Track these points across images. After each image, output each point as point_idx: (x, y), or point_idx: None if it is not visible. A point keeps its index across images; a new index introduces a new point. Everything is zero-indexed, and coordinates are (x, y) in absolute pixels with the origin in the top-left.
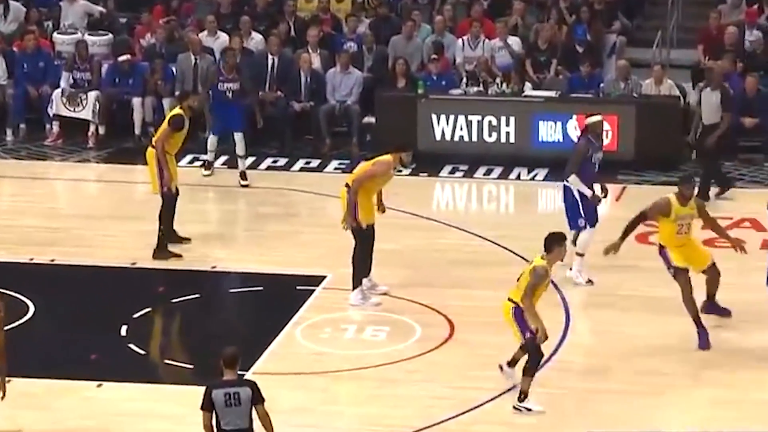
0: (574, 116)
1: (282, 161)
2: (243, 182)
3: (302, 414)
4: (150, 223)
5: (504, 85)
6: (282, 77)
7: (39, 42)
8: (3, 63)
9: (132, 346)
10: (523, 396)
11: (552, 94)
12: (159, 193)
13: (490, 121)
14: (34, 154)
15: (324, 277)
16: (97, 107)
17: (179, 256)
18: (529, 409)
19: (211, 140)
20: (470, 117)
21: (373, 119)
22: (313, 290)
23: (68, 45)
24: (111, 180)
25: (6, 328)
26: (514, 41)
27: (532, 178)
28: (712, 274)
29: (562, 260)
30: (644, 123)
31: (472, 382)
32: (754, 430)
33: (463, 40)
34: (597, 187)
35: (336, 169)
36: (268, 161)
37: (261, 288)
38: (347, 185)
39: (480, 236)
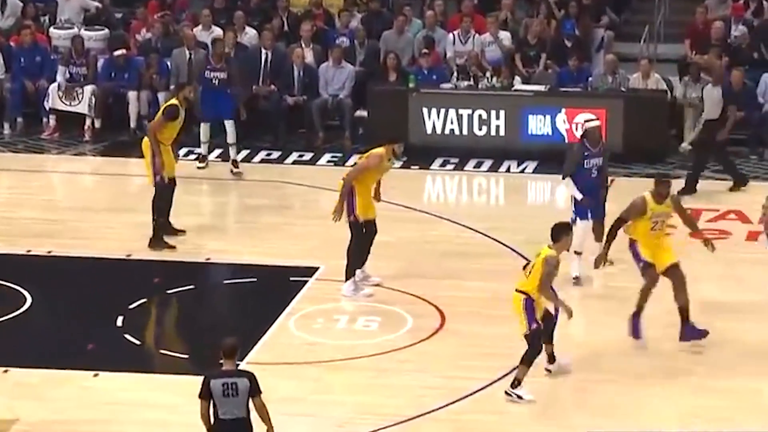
0: (563, 110)
1: (275, 154)
2: (235, 170)
3: (295, 403)
4: (145, 214)
5: (494, 79)
6: (275, 71)
7: (36, 37)
8: (0, 58)
9: (128, 336)
10: (516, 383)
11: (541, 88)
12: (152, 182)
13: (480, 115)
14: (31, 147)
15: (317, 269)
16: (93, 101)
17: (173, 247)
18: (520, 397)
19: (203, 129)
20: (461, 110)
21: (365, 113)
22: (306, 281)
23: (64, 40)
24: (107, 173)
25: (3, 318)
26: (504, 36)
27: (522, 171)
28: (675, 278)
29: (567, 249)
30: (632, 116)
31: (462, 371)
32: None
33: (453, 34)
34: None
35: (329, 162)
36: (262, 154)
37: (255, 279)
38: (344, 179)
39: (470, 228)
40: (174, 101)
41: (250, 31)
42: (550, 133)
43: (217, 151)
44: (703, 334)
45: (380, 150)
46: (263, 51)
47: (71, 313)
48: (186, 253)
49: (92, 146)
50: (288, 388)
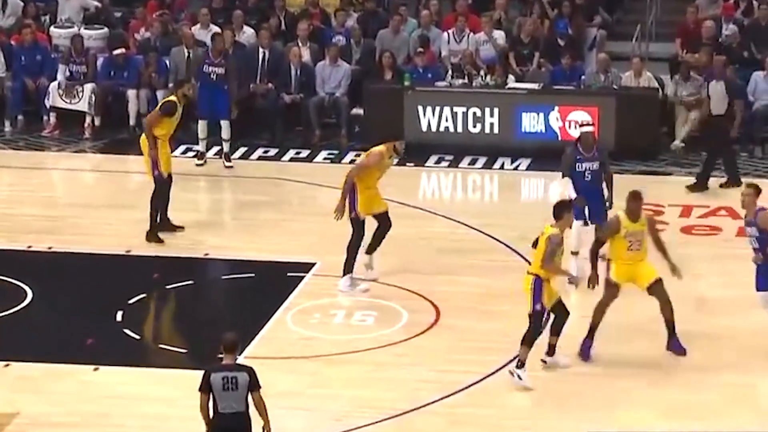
0: (556, 107)
1: (273, 151)
2: (227, 164)
3: (292, 397)
4: (144, 211)
5: (488, 77)
6: (273, 70)
7: (36, 36)
8: (1, 56)
9: (127, 331)
10: (520, 364)
11: (534, 86)
12: (152, 178)
13: (474, 113)
14: (31, 144)
15: (313, 264)
16: (93, 99)
17: (161, 241)
18: (520, 378)
19: (201, 126)
20: (455, 108)
21: (361, 111)
22: (303, 277)
23: (65, 39)
24: (106, 170)
25: (4, 313)
26: (498, 35)
27: (516, 168)
28: (659, 294)
29: (570, 227)
30: (624, 114)
31: (457, 365)
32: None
33: (448, 33)
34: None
35: (325, 159)
36: (260, 152)
37: (252, 274)
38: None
39: (465, 224)
40: (172, 98)
41: (248, 30)
42: (544, 131)
43: (215, 149)
44: (682, 352)
45: (381, 148)
46: (261, 50)
47: (71, 308)
48: (185, 248)
49: (92, 144)
50: (285, 382)
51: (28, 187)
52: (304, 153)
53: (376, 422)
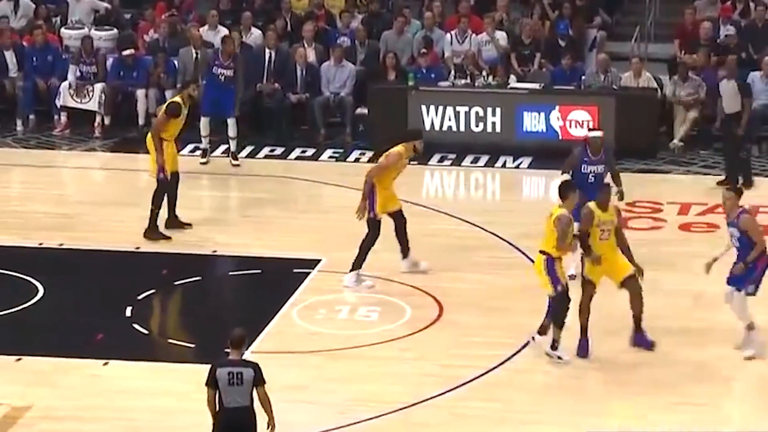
0: (557, 107)
1: (279, 150)
2: (234, 162)
3: (298, 391)
4: None
5: (490, 77)
6: (279, 70)
7: (47, 37)
8: (13, 57)
9: (137, 326)
10: (555, 344)
11: (535, 86)
12: (156, 178)
13: (476, 112)
14: (42, 143)
15: (319, 261)
16: (103, 99)
17: (168, 238)
18: (560, 358)
19: (203, 123)
20: (458, 108)
21: (365, 110)
22: (309, 273)
23: (75, 40)
24: (116, 168)
25: (16, 309)
26: (500, 36)
27: (517, 167)
28: (632, 288)
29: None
30: (623, 114)
31: (459, 360)
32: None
33: (451, 34)
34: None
35: (330, 157)
36: (266, 150)
37: (259, 271)
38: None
39: (467, 222)
40: (177, 99)
41: (255, 32)
42: (545, 130)
43: (223, 147)
44: (651, 345)
45: (399, 148)
46: (267, 51)
47: (82, 304)
48: (193, 245)
49: (102, 142)
50: (291, 376)
51: (40, 185)
52: (310, 151)
53: (380, 416)
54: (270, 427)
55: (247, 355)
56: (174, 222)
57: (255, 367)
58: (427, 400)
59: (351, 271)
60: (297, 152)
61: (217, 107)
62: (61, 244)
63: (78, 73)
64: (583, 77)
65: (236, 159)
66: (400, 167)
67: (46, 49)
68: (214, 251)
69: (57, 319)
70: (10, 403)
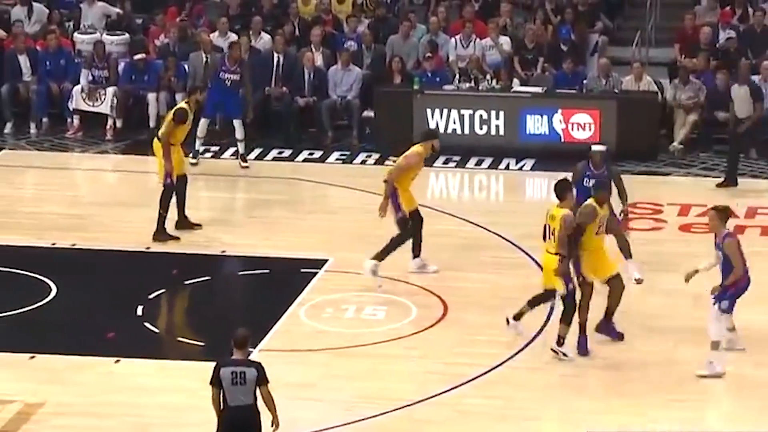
0: (559, 110)
1: (287, 152)
2: (243, 164)
3: (305, 388)
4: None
5: (494, 81)
6: (287, 74)
7: (60, 41)
8: (27, 61)
9: (147, 324)
10: (561, 341)
11: (538, 89)
12: (162, 182)
13: (480, 115)
14: (56, 145)
15: (326, 261)
16: (115, 102)
17: (177, 238)
18: (566, 354)
19: (202, 125)
20: (462, 111)
21: (372, 113)
22: (316, 273)
23: (88, 44)
24: (127, 170)
25: (30, 307)
26: (504, 40)
27: (520, 169)
28: (616, 287)
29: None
30: (624, 117)
31: (464, 358)
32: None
33: (455, 39)
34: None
35: (337, 159)
36: (274, 152)
37: (267, 271)
38: (386, 181)
39: (472, 222)
40: (184, 105)
41: (264, 36)
42: (547, 133)
43: (232, 149)
44: (618, 336)
45: (419, 148)
46: (275, 55)
47: (94, 303)
48: (202, 246)
49: (114, 145)
50: (298, 373)
51: (53, 187)
52: (317, 154)
53: (386, 413)
54: (274, 425)
55: (256, 354)
56: (184, 223)
57: (258, 366)
58: (431, 397)
59: (373, 258)
60: (305, 154)
61: (221, 110)
62: (74, 245)
63: (90, 77)
64: (585, 81)
65: (245, 161)
66: (419, 167)
67: (59, 54)
68: (223, 251)
69: (69, 318)
70: (23, 400)
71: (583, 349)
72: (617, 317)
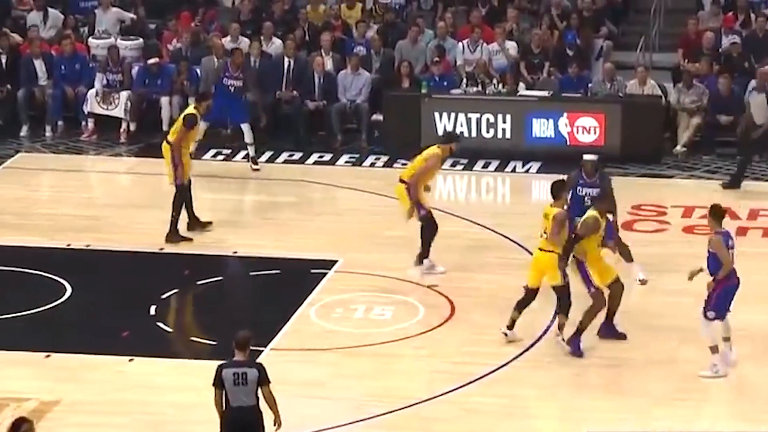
0: (565, 114)
1: (297, 155)
2: (254, 167)
3: (315, 387)
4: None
5: (500, 85)
6: (297, 78)
7: (75, 46)
8: (43, 65)
9: (160, 324)
10: (562, 327)
11: (544, 93)
12: (174, 185)
13: (487, 119)
14: (71, 148)
15: (335, 261)
16: (128, 106)
17: (190, 240)
18: (564, 339)
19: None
20: (469, 115)
21: (380, 117)
22: (326, 273)
23: (102, 49)
24: (141, 172)
25: (45, 307)
26: (510, 45)
27: (527, 171)
28: (616, 289)
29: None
30: (629, 120)
31: (471, 357)
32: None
33: (463, 44)
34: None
35: (347, 162)
36: (285, 155)
37: (278, 271)
38: (401, 181)
39: (479, 224)
40: (193, 110)
41: (276, 41)
42: (553, 136)
43: (243, 152)
44: (621, 336)
45: (437, 150)
46: (286, 59)
47: (108, 303)
48: (214, 246)
49: (127, 148)
50: (308, 372)
51: (68, 189)
52: (327, 156)
53: (394, 411)
54: (276, 424)
55: (267, 352)
56: (195, 223)
57: (259, 367)
58: (439, 396)
59: (417, 264)
60: (314, 157)
61: (223, 114)
62: (88, 245)
63: (105, 81)
64: (590, 85)
65: (256, 164)
66: (437, 169)
67: (74, 58)
68: (235, 252)
69: (84, 318)
70: (39, 398)
71: (576, 350)
72: (620, 317)
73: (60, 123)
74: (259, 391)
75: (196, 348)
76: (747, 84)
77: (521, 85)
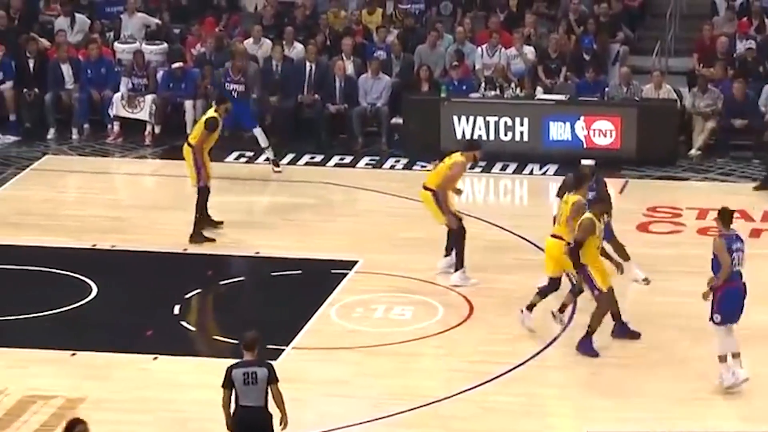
0: (582, 117)
1: (318, 158)
2: (276, 169)
3: (335, 385)
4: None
5: (518, 89)
6: (319, 82)
7: (101, 51)
8: (69, 69)
9: (184, 323)
10: (564, 308)
11: (561, 97)
12: (196, 186)
13: (505, 122)
14: (97, 151)
15: (356, 262)
16: (153, 109)
17: (212, 240)
18: (562, 321)
19: None
20: (488, 118)
21: (400, 120)
22: (346, 274)
23: (127, 53)
24: (165, 174)
25: (71, 307)
26: (528, 50)
27: (544, 174)
28: (611, 291)
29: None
30: (644, 124)
31: (489, 356)
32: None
33: (481, 48)
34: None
35: (367, 165)
36: (306, 158)
37: (299, 271)
38: (425, 188)
39: (497, 225)
40: (214, 113)
41: (297, 46)
42: (570, 139)
43: (264, 156)
44: (635, 335)
45: (461, 158)
46: (308, 63)
47: (132, 302)
48: (237, 247)
49: (152, 150)
50: (328, 371)
51: (94, 190)
52: (348, 159)
53: (412, 409)
54: (283, 424)
55: (288, 351)
56: (208, 222)
57: (268, 366)
58: (457, 394)
59: (455, 270)
60: (335, 160)
61: (237, 122)
62: (114, 246)
63: (130, 85)
64: (606, 89)
65: (278, 165)
66: (461, 175)
67: (100, 63)
68: (257, 253)
69: (109, 317)
70: (65, 395)
71: (589, 350)
72: (635, 318)
73: (86, 126)
74: (269, 390)
75: (219, 347)
76: (761, 89)
77: (539, 89)
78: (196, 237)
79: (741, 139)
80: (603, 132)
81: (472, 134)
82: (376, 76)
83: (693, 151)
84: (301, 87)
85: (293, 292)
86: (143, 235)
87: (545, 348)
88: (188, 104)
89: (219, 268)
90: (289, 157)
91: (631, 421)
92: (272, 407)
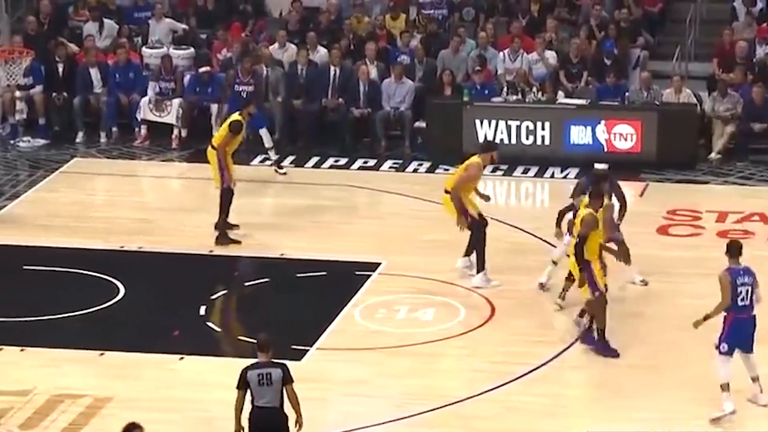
0: (602, 121)
1: (342, 161)
2: (279, 171)
3: (358, 385)
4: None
5: (540, 93)
6: (343, 86)
7: (129, 55)
8: (98, 74)
9: (209, 324)
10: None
11: (582, 101)
12: (220, 188)
13: (527, 126)
14: (124, 154)
15: (379, 264)
16: (180, 113)
17: (239, 242)
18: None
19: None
20: (510, 122)
21: (423, 124)
22: (370, 275)
23: (155, 58)
24: (192, 177)
25: (99, 307)
26: (549, 55)
27: (565, 177)
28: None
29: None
30: (665, 128)
31: (510, 357)
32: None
33: (504, 53)
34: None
35: (390, 168)
36: (330, 161)
37: (324, 273)
38: (446, 191)
39: (519, 228)
40: (238, 116)
41: (321, 50)
42: (591, 143)
43: (291, 157)
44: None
45: (478, 160)
46: (332, 68)
47: (159, 303)
48: (261, 249)
49: (179, 153)
50: (352, 371)
51: (121, 193)
52: (371, 162)
53: (435, 409)
54: (297, 425)
55: (312, 351)
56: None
57: (283, 367)
58: (479, 394)
59: (477, 272)
60: (359, 163)
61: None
62: (141, 247)
63: (157, 89)
64: (627, 93)
65: (281, 167)
66: (479, 177)
67: (128, 67)
68: (282, 254)
69: (136, 317)
70: (93, 395)
71: (606, 350)
72: (653, 321)
73: (114, 129)
74: (284, 391)
75: (244, 347)
76: None
77: (560, 93)
78: (222, 239)
79: (760, 143)
80: (623, 136)
81: (494, 138)
82: (400, 81)
83: (713, 155)
84: (325, 91)
85: (318, 294)
86: (170, 237)
87: (567, 348)
88: (214, 108)
89: (244, 269)
90: (314, 160)
91: (656, 422)
92: (287, 408)
